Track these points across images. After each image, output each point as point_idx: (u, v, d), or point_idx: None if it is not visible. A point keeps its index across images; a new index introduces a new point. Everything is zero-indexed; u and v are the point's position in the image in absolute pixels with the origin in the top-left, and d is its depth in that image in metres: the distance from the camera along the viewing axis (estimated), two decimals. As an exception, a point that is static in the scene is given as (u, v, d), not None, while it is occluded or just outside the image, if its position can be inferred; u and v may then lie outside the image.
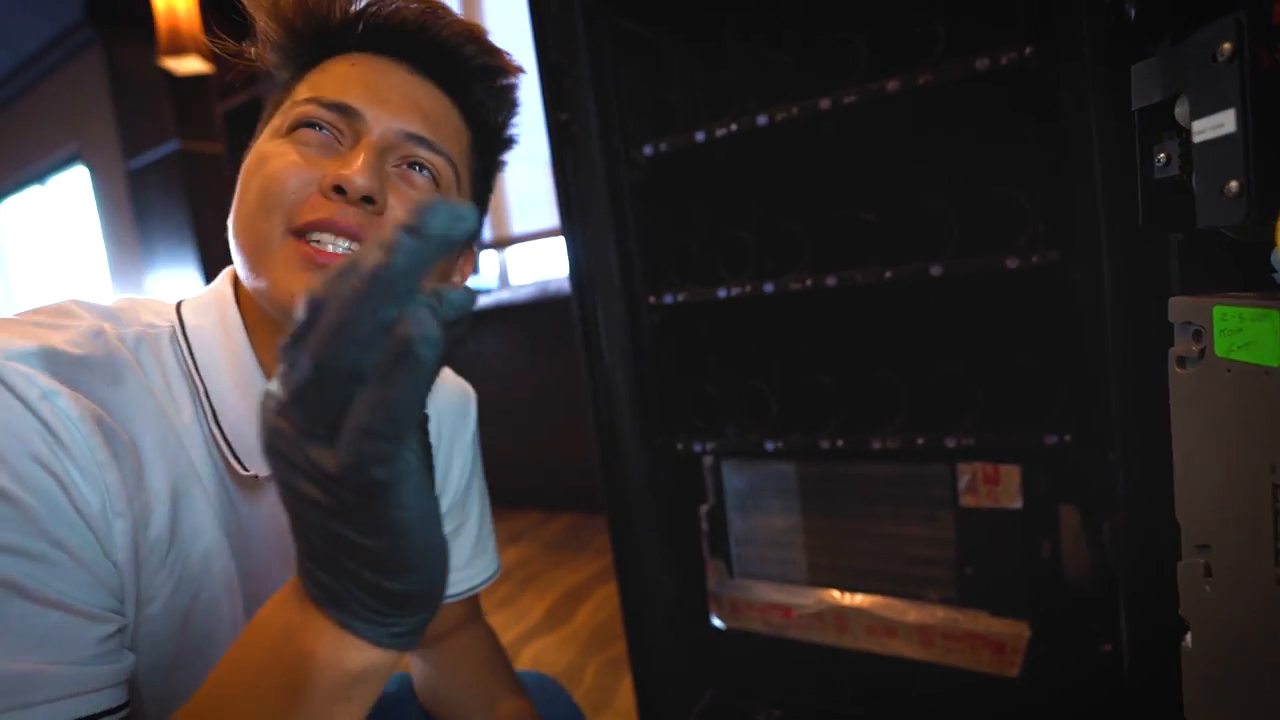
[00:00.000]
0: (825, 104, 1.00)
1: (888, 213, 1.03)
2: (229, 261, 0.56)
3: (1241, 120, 0.45)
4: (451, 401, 0.72)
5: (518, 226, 3.02)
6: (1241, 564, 0.49)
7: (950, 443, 0.98)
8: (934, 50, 0.95)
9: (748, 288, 1.10)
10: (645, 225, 1.20)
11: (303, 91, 0.54)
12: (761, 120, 1.05)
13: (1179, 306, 0.56)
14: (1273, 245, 0.43)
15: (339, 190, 0.49)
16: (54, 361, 0.42)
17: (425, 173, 0.54)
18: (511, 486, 2.85)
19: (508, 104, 0.61)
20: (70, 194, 4.51)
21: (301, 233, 0.49)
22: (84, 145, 4.15)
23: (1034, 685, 0.97)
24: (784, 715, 1.12)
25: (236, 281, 0.56)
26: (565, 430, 2.74)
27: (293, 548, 0.54)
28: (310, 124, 0.52)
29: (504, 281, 3.10)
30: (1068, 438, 0.91)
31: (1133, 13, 0.62)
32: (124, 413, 0.44)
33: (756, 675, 1.20)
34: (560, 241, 1.25)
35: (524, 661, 1.70)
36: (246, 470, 0.51)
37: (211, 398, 0.50)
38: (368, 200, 0.50)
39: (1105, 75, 0.77)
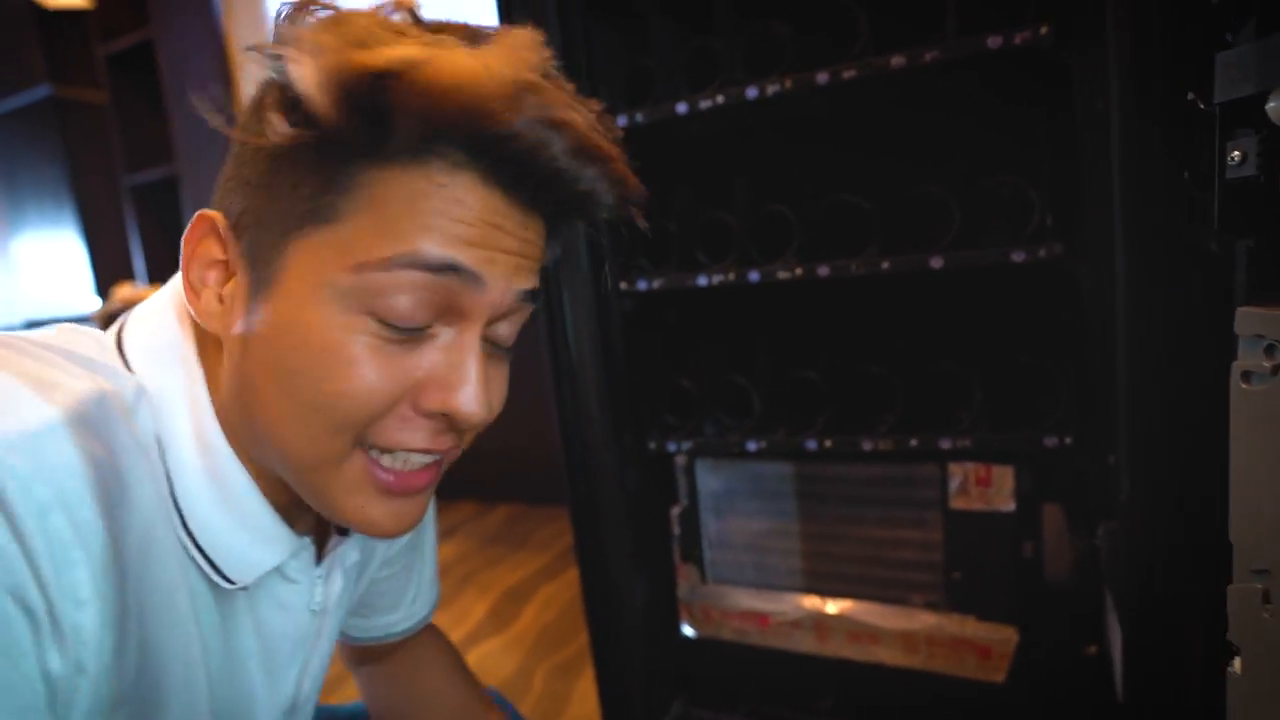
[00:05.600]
0: (822, 78, 0.92)
1: (885, 200, 0.97)
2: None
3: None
4: None
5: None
6: (1306, 594, 0.46)
7: (945, 444, 0.94)
8: (942, 26, 0.88)
9: (731, 275, 1.02)
10: (618, 204, 1.09)
11: (388, 228, 0.36)
12: (751, 93, 0.96)
13: (1248, 318, 0.52)
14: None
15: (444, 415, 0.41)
16: (57, 452, 0.32)
17: (504, 351, 0.45)
18: (445, 476, 2.67)
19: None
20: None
21: (374, 446, 0.41)
22: (-68, 87, 3.60)
23: (1020, 690, 0.96)
24: (757, 724, 1.08)
25: (183, 315, 0.42)
26: (503, 415, 2.59)
27: (278, 655, 0.48)
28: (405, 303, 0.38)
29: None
30: (1068, 440, 0.89)
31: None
32: (120, 520, 0.35)
33: (728, 684, 1.15)
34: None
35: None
36: (233, 583, 0.43)
37: (177, 494, 0.40)
38: None
39: (1129, 61, 0.73)
